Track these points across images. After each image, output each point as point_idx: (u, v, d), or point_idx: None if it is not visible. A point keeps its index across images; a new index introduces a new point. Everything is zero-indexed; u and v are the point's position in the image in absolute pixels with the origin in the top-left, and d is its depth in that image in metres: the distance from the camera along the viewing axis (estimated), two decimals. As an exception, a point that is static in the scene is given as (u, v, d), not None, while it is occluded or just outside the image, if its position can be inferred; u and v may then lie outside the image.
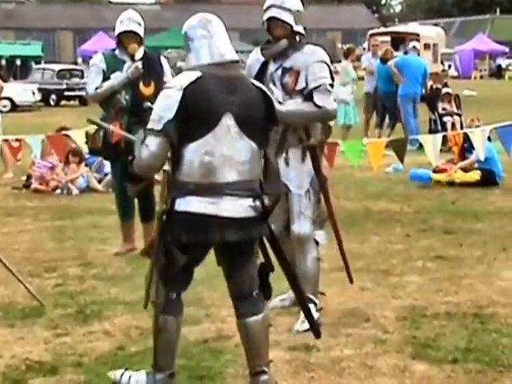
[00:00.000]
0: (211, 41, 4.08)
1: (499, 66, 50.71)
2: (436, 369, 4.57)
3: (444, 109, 16.27)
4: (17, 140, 10.20)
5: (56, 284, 6.42)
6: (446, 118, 16.10)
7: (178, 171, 4.01)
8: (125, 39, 7.16)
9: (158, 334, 4.13)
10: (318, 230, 5.47)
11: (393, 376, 4.49)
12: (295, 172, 5.35)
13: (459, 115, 16.25)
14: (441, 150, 9.21)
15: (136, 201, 7.30)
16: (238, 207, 4.01)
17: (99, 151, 7.33)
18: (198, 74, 3.99)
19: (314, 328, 4.55)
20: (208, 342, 5.00)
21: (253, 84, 4.20)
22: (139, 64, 7.11)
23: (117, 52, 7.24)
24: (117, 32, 7.20)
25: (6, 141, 10.17)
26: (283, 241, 5.55)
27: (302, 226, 5.36)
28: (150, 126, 4.00)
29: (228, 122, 4.00)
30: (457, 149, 10.89)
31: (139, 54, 7.22)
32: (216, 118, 3.98)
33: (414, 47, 16.12)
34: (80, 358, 4.80)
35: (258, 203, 4.07)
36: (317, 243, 5.44)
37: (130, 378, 4.29)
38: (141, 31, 7.17)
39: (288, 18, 5.29)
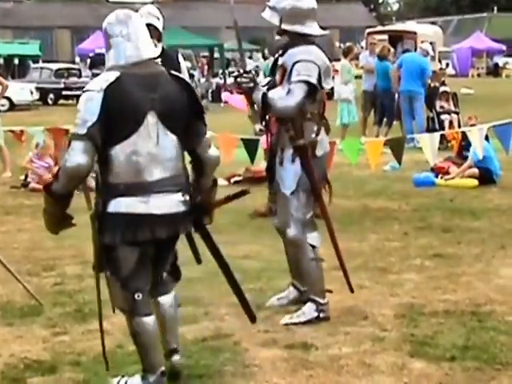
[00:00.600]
0: (130, 38, 4.09)
1: (496, 65, 50.64)
2: (434, 366, 4.57)
3: (442, 107, 16.27)
4: (20, 131, 10.35)
5: (55, 283, 6.42)
6: (443, 116, 16.10)
7: (107, 173, 4.01)
8: None
9: (137, 338, 4.15)
10: (312, 233, 5.36)
11: (391, 374, 4.49)
12: (286, 172, 5.28)
13: (457, 113, 16.26)
14: (438, 149, 9.23)
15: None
16: (168, 203, 4.05)
17: None
18: (116, 74, 3.99)
19: (249, 311, 4.55)
20: (207, 340, 4.99)
21: (173, 76, 4.20)
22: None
23: None
24: None
25: (10, 131, 10.29)
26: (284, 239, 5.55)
27: (292, 229, 5.29)
28: (74, 130, 3.98)
29: (152, 120, 4.02)
30: (456, 143, 10.89)
31: (157, 50, 7.17)
32: (140, 118, 3.99)
33: (421, 48, 16.11)
34: (78, 357, 4.80)
35: (187, 197, 4.14)
36: (313, 246, 5.35)
37: (125, 383, 4.29)
38: (160, 26, 7.08)
39: (272, 17, 5.29)
